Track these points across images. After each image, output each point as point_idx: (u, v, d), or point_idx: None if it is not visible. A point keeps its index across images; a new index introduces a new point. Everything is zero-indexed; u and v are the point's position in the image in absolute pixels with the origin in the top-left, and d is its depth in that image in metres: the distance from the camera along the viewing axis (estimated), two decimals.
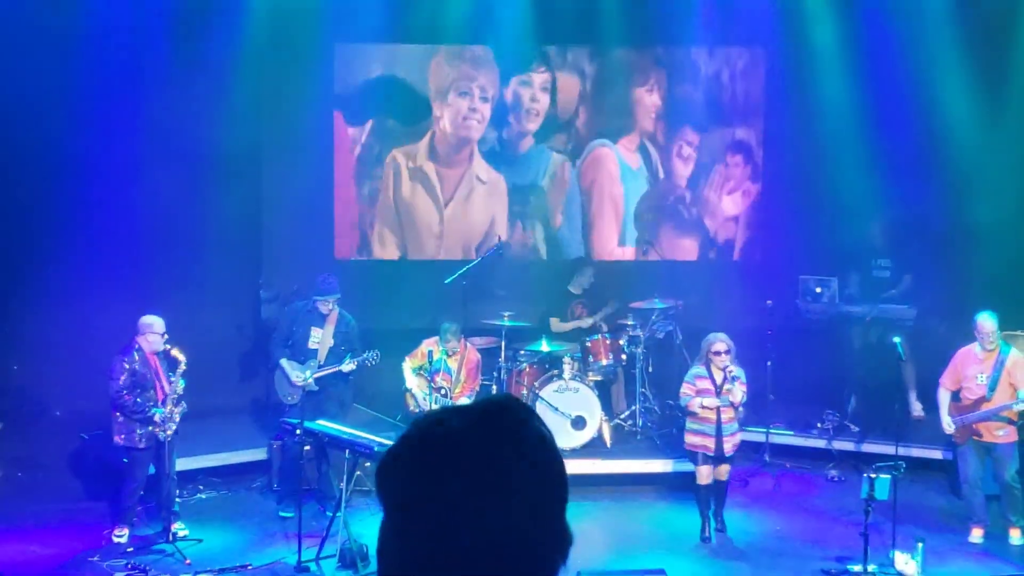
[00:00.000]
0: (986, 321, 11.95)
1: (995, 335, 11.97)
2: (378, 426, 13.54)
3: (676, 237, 17.16)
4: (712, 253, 17.22)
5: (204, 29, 14.98)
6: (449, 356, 13.62)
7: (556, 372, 14.16)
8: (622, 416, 15.08)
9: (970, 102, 15.36)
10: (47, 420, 14.85)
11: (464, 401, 13.09)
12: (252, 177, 16.10)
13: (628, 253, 17.10)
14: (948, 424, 12.16)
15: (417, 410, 13.47)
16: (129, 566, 11.32)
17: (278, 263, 16.21)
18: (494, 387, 14.32)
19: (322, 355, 13.07)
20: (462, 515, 1.85)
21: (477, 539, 1.84)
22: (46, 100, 14.34)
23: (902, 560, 11.14)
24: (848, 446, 14.45)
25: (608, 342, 14.64)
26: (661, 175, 17.11)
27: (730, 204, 17.18)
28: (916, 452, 13.66)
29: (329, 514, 12.14)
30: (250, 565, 11.44)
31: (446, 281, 15.00)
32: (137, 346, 11.86)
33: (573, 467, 13.07)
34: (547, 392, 13.84)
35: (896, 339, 12.74)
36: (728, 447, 12.21)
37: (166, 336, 11.92)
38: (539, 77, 16.90)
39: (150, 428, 11.85)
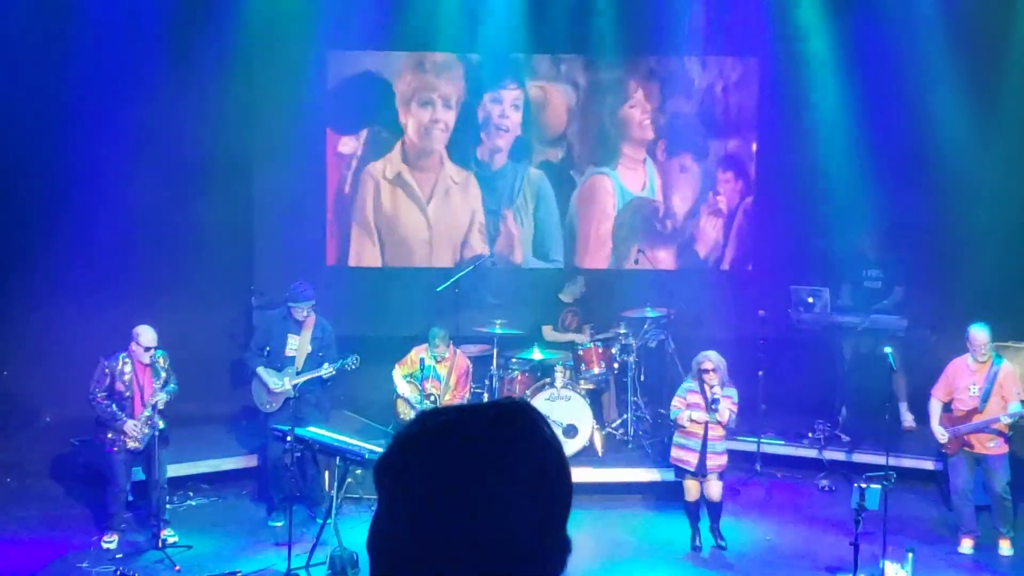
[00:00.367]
0: (979, 333, 11.96)
1: (988, 347, 11.98)
2: (369, 433, 13.53)
3: (668, 247, 17.16)
4: (704, 263, 17.22)
5: (195, 35, 14.99)
6: (438, 362, 13.59)
7: (548, 380, 14.15)
8: (613, 425, 15.06)
9: (962, 113, 15.38)
10: (37, 426, 14.85)
11: None
12: (244, 183, 16.09)
13: (619, 262, 17.08)
14: (940, 434, 12.16)
15: (408, 417, 13.43)
16: (118, 573, 11.26)
17: (270, 270, 16.18)
18: (485, 395, 14.31)
19: (300, 362, 13.00)
20: (468, 513, 1.83)
21: (480, 539, 1.83)
22: (37, 105, 14.35)
23: (892, 570, 11.13)
24: (839, 456, 14.44)
25: (600, 350, 14.63)
26: (654, 187, 17.10)
27: (722, 215, 17.18)
28: (907, 462, 13.67)
29: (318, 520, 12.16)
30: (239, 572, 11.39)
31: (438, 289, 15.02)
32: (128, 352, 11.84)
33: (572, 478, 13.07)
34: (539, 400, 13.81)
35: (887, 349, 12.74)
36: (711, 465, 12.20)
37: (152, 350, 11.85)
38: (510, 94, 16.89)
39: (122, 437, 11.84)
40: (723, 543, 12.37)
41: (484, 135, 16.89)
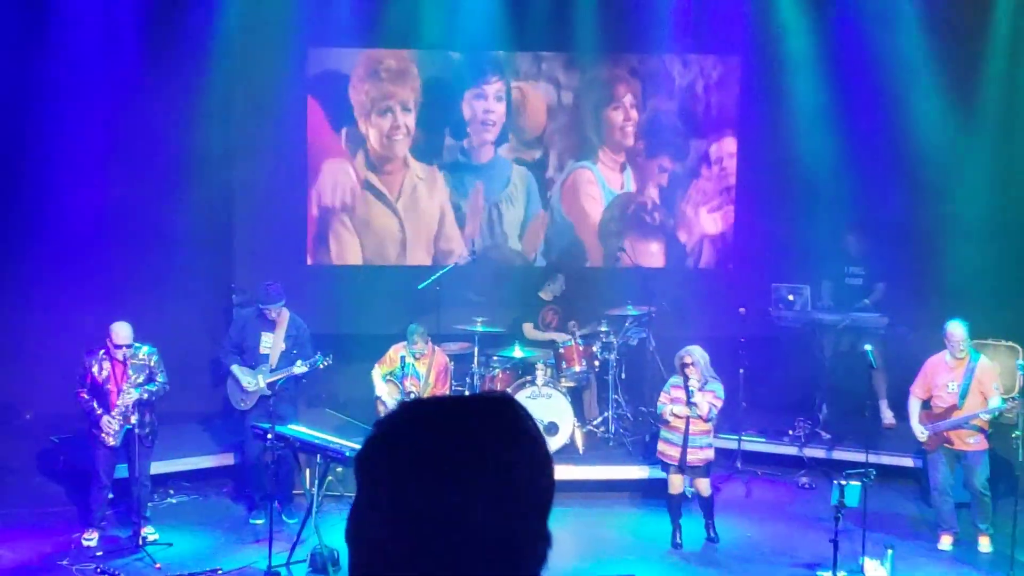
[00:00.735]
0: (956, 329, 12.01)
1: (965, 343, 12.02)
2: (349, 431, 13.51)
3: (649, 245, 17.17)
4: (685, 261, 17.24)
5: (174, 31, 14.92)
6: (416, 359, 13.59)
7: (529, 378, 14.15)
8: (594, 422, 15.07)
9: (942, 111, 15.44)
10: (17, 423, 14.81)
11: None
12: (224, 180, 16.00)
13: (600, 260, 17.10)
14: (920, 431, 12.21)
15: None
16: (98, 570, 11.28)
17: (251, 268, 16.11)
18: (466, 392, 14.29)
19: (274, 359, 12.98)
20: (449, 505, 1.83)
21: (461, 531, 1.83)
22: (13, 101, 14.31)
23: (872, 567, 11.18)
24: (819, 453, 14.48)
25: (581, 348, 14.62)
26: (635, 187, 17.11)
27: (703, 213, 17.20)
28: (887, 459, 13.70)
29: (289, 520, 12.22)
30: (220, 570, 11.42)
31: (419, 287, 15.01)
32: (106, 349, 11.83)
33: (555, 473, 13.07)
34: (520, 398, 13.77)
35: (867, 347, 12.78)
36: (694, 459, 12.23)
37: (124, 348, 11.81)
38: (492, 88, 16.87)
39: (100, 433, 11.84)
40: (715, 536, 12.42)
41: (471, 131, 16.85)
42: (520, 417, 1.95)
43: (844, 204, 15.68)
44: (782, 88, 16.21)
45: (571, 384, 14.62)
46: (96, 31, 14.60)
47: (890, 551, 11.18)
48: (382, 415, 9.60)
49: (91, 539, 11.97)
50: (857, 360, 13.64)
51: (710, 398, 12.10)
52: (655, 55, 16.85)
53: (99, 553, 11.82)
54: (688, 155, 17.12)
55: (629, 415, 15.29)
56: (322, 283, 15.61)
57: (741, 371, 14.23)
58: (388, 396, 13.58)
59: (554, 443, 13.88)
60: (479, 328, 14.43)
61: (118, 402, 11.81)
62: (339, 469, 11.92)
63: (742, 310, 14.98)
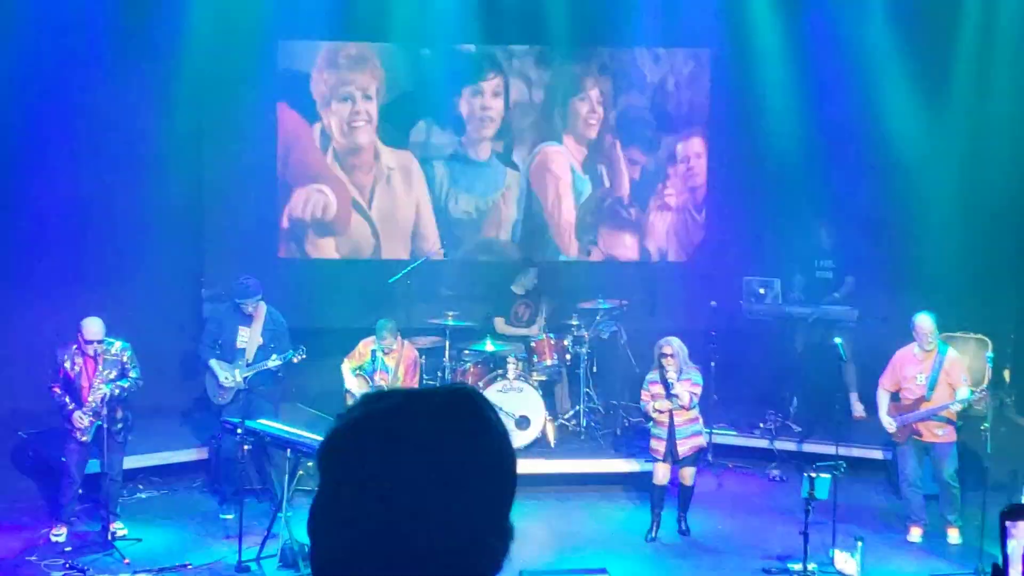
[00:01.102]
0: (924, 321, 12.04)
1: (933, 335, 12.06)
2: (319, 425, 13.45)
3: (620, 238, 17.17)
4: (656, 255, 17.24)
5: (145, 21, 14.85)
6: (386, 354, 13.57)
7: (500, 372, 14.15)
8: (566, 416, 15.07)
9: (913, 106, 15.49)
10: None
11: None
12: (194, 174, 15.95)
13: (573, 253, 17.09)
14: (889, 423, 12.24)
15: None
16: (67, 566, 11.22)
17: (221, 261, 16.07)
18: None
19: (250, 353, 12.96)
20: (411, 497, 1.82)
21: (424, 523, 1.82)
22: None
23: (842, 559, 11.21)
24: (790, 446, 14.51)
25: (552, 342, 14.62)
26: (606, 180, 17.11)
27: (674, 207, 17.21)
28: (857, 452, 13.75)
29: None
30: (190, 565, 11.37)
31: (390, 280, 14.99)
32: (77, 344, 11.77)
33: (517, 467, 13.06)
34: (491, 392, 13.80)
35: (837, 340, 12.81)
36: (683, 449, 12.23)
37: (95, 345, 11.72)
38: (489, 84, 16.85)
39: (74, 430, 11.78)
40: (685, 529, 12.44)
41: (470, 127, 16.81)
42: (482, 408, 1.94)
43: (815, 197, 15.71)
44: (753, 81, 16.23)
45: (543, 378, 14.61)
46: (64, 23, 14.48)
47: (860, 543, 11.20)
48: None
49: (59, 534, 11.91)
50: (827, 353, 13.67)
51: (688, 386, 12.12)
52: (626, 49, 16.85)
53: (68, 548, 11.74)
54: (659, 150, 17.12)
55: (601, 408, 15.31)
56: (293, 277, 15.57)
57: (712, 364, 14.24)
58: (358, 390, 13.54)
59: (526, 437, 13.90)
60: (450, 322, 14.41)
61: (89, 398, 11.75)
62: (310, 464, 11.87)
63: (713, 303, 15.03)
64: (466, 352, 14.64)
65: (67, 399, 11.71)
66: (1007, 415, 14.87)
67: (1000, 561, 2.57)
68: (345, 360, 13.71)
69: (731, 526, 12.81)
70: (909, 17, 15.38)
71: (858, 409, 15.07)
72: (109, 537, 11.79)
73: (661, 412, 12.19)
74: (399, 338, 13.72)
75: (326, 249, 16.81)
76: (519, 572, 10.09)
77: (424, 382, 14.01)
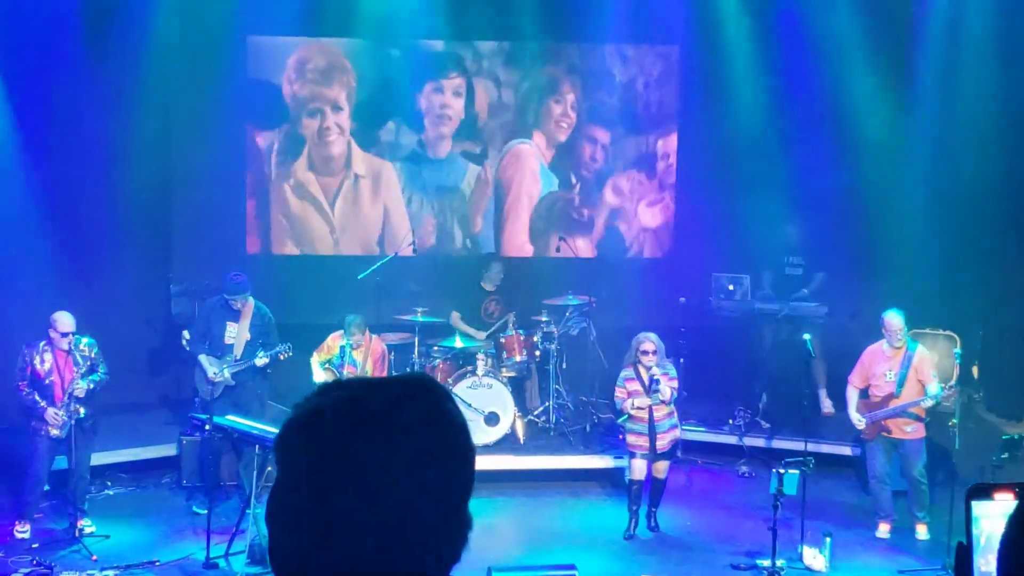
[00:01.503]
0: (893, 318, 12.08)
1: (902, 332, 12.10)
2: None
3: (589, 235, 17.17)
4: (625, 251, 17.25)
5: (112, 17, 14.77)
6: (354, 349, 13.56)
7: (470, 368, 14.15)
8: (535, 412, 15.06)
9: (880, 102, 15.52)
10: None
11: None
12: (162, 170, 15.90)
13: (541, 250, 17.08)
14: (858, 420, 12.28)
15: None
16: (34, 562, 11.17)
17: (189, 257, 16.04)
18: None
19: (238, 349, 12.96)
20: (368, 487, 1.81)
21: (381, 513, 1.81)
22: None
23: (810, 555, 11.25)
24: (759, 442, 14.55)
25: (522, 338, 14.61)
26: (575, 177, 17.11)
27: (644, 203, 17.22)
28: (825, 448, 13.80)
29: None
30: (158, 561, 11.34)
31: (360, 276, 14.95)
32: (47, 340, 11.70)
33: (486, 463, 13.09)
34: (460, 388, 13.81)
35: (806, 336, 12.83)
36: (663, 443, 12.24)
37: (70, 336, 11.69)
38: (451, 83, 16.83)
39: (44, 425, 11.70)
40: (655, 525, 12.45)
41: (428, 123, 16.78)
42: (439, 397, 1.94)
43: (785, 193, 15.71)
44: (721, 78, 16.25)
45: (512, 374, 14.61)
46: (31, 18, 14.39)
47: (828, 539, 11.25)
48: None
49: (24, 531, 11.87)
50: (796, 349, 13.69)
51: (665, 381, 12.13)
52: (594, 46, 16.84)
53: (35, 545, 11.72)
54: (629, 147, 17.13)
55: (570, 405, 15.31)
56: (261, 272, 15.50)
57: (681, 360, 14.26)
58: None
59: (495, 433, 13.91)
60: (419, 318, 14.40)
61: (65, 394, 11.70)
62: None
63: (682, 299, 15.05)
64: (435, 348, 14.62)
65: (36, 396, 11.63)
66: (975, 411, 14.94)
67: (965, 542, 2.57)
68: (314, 354, 13.69)
69: (700, 522, 12.83)
70: (876, 13, 15.42)
71: (827, 405, 15.12)
72: (77, 534, 11.75)
73: (641, 409, 12.17)
74: (367, 333, 13.70)
75: (290, 246, 16.78)
76: (488, 569, 10.08)
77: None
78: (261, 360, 12.82)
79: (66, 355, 11.73)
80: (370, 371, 13.54)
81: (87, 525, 12.02)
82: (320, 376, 13.59)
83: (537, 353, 14.82)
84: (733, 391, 15.28)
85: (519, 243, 17.12)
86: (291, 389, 14.67)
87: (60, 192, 14.76)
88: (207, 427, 11.70)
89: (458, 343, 14.34)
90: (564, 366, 15.27)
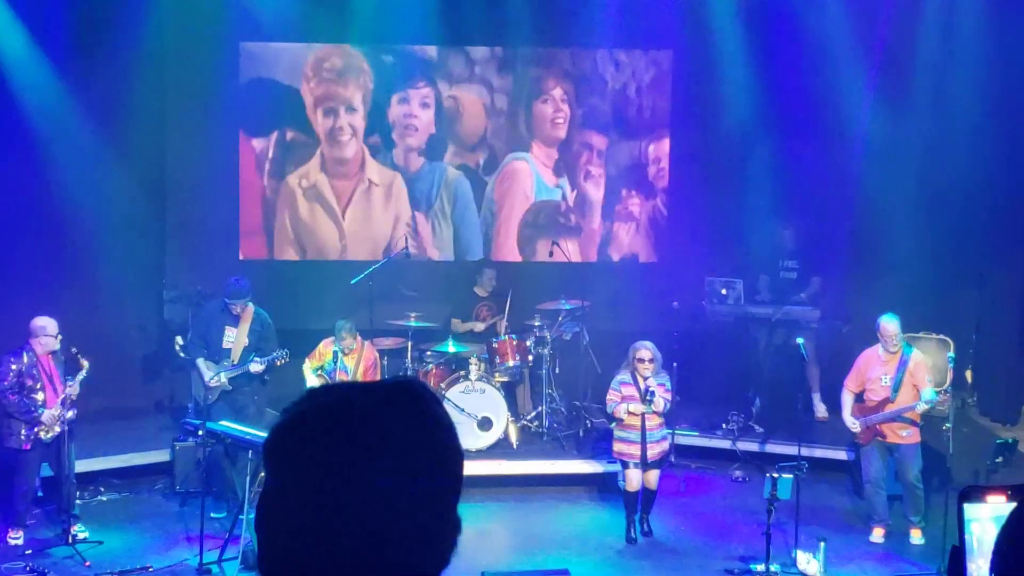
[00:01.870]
0: (889, 323, 12.08)
1: (898, 337, 12.10)
2: None
3: (582, 240, 17.16)
4: (618, 255, 17.24)
5: (107, 20, 14.76)
6: (345, 354, 13.54)
7: (462, 373, 14.15)
8: (528, 417, 15.07)
9: (874, 107, 15.52)
10: None
11: None
12: (156, 175, 15.90)
13: (529, 255, 17.06)
14: (852, 423, 12.27)
15: None
16: (27, 569, 11.15)
17: (182, 263, 16.02)
18: None
19: (236, 354, 12.94)
20: (357, 492, 1.81)
21: (370, 517, 1.81)
22: None
23: (804, 559, 11.23)
24: (752, 447, 14.54)
25: (515, 343, 14.61)
26: (568, 183, 17.10)
27: (637, 207, 17.21)
28: (819, 452, 13.80)
29: (212, 515, 12.13)
30: (151, 567, 11.32)
31: (352, 281, 14.93)
32: (28, 348, 11.67)
33: (479, 468, 13.12)
34: (453, 393, 13.81)
35: (799, 340, 12.83)
36: (654, 453, 12.21)
37: (60, 336, 11.73)
38: (418, 93, 16.81)
39: (36, 429, 11.67)
40: (648, 530, 12.42)
41: (396, 136, 16.77)
42: (427, 400, 1.93)
43: (777, 197, 15.69)
44: (714, 82, 16.24)
45: (505, 379, 14.62)
46: (23, 21, 14.36)
47: (822, 543, 11.23)
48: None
49: (17, 538, 11.83)
50: (790, 354, 13.71)
51: (661, 392, 12.10)
52: (588, 49, 16.83)
53: (28, 552, 11.69)
54: (622, 152, 17.12)
55: (563, 409, 15.29)
56: (254, 278, 15.48)
57: (675, 365, 14.23)
58: None
59: (488, 438, 13.91)
60: (412, 323, 14.40)
61: (61, 396, 11.71)
62: None
63: (675, 304, 15.03)
64: (428, 353, 14.61)
65: (25, 399, 11.61)
66: (969, 415, 14.95)
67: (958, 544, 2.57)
68: (306, 361, 13.68)
69: (693, 527, 12.82)
70: (868, 17, 15.41)
71: (820, 410, 15.12)
72: (70, 540, 11.72)
73: (634, 415, 12.15)
74: (359, 338, 13.69)
75: (288, 250, 16.76)
76: (480, 573, 10.06)
77: None
78: (255, 367, 12.80)
79: (50, 358, 11.74)
80: (362, 377, 13.51)
81: (80, 531, 11.99)
82: (312, 382, 13.55)
83: (530, 358, 14.82)
84: (726, 395, 15.29)
85: (510, 247, 17.08)
86: (285, 395, 14.67)
87: (53, 197, 14.74)
88: (200, 432, 11.66)
89: (451, 348, 14.33)
90: (557, 371, 15.27)
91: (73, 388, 11.77)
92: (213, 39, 15.58)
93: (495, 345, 14.60)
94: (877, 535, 12.33)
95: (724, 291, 15.36)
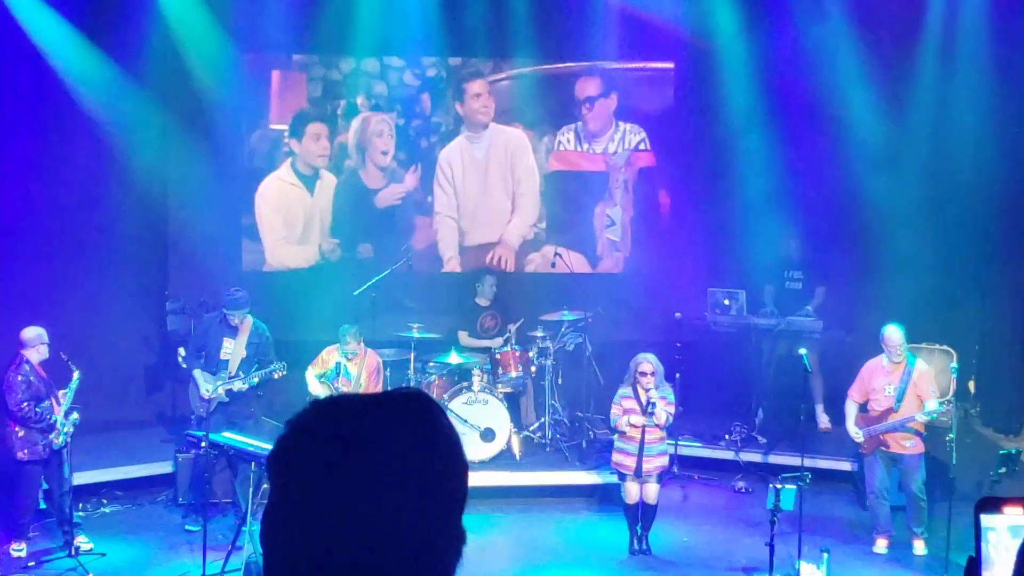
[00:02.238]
0: (893, 333, 12.07)
1: (902, 347, 12.09)
2: None
3: (585, 250, 17.16)
4: (621, 266, 17.24)
5: (110, 32, 14.77)
6: (349, 360, 13.53)
7: (465, 384, 14.15)
8: (531, 428, 15.06)
9: (877, 117, 15.52)
10: None
11: None
12: (158, 186, 15.89)
13: (536, 266, 17.07)
14: (856, 433, 12.26)
15: None
16: None
17: (185, 274, 16.01)
18: None
19: (233, 366, 12.93)
20: (362, 504, 1.80)
21: (375, 529, 1.80)
22: None
23: (808, 570, 11.20)
24: (755, 457, 14.53)
25: (517, 354, 14.61)
26: (572, 192, 17.13)
27: (639, 218, 17.22)
28: (822, 463, 13.79)
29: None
30: None
31: (355, 292, 14.93)
32: (25, 359, 11.67)
33: (482, 479, 13.10)
34: (456, 404, 13.81)
35: (802, 351, 12.82)
36: (650, 467, 12.17)
37: (49, 344, 11.77)
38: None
39: (50, 436, 11.67)
40: (646, 548, 12.37)
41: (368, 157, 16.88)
42: (432, 412, 1.92)
43: (780, 208, 15.68)
44: (717, 93, 16.25)
45: (508, 390, 14.62)
46: (26, 33, 14.38)
47: (826, 554, 11.20)
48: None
49: (20, 550, 11.81)
50: (793, 364, 13.70)
51: (663, 405, 12.08)
52: (591, 63, 16.85)
53: (31, 564, 11.69)
54: (626, 162, 17.12)
55: (566, 420, 15.29)
56: (256, 289, 15.48)
57: (677, 376, 14.25)
58: (321, 396, 13.43)
59: (491, 449, 13.90)
60: (415, 334, 14.40)
61: (62, 404, 11.73)
62: None
63: (678, 315, 15.03)
64: (431, 364, 14.61)
65: (37, 409, 11.61)
66: (972, 426, 14.92)
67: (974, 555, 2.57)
68: (309, 367, 13.68)
69: (696, 538, 12.80)
70: (872, 26, 15.41)
71: (823, 421, 15.12)
72: (73, 551, 11.70)
73: (635, 427, 12.13)
74: (362, 345, 13.69)
75: (292, 259, 16.77)
76: None
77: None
78: (252, 379, 12.81)
79: (42, 367, 11.78)
80: (364, 383, 13.52)
81: (84, 542, 11.97)
82: (315, 389, 13.57)
83: (533, 369, 14.82)
84: (729, 406, 15.30)
85: (514, 259, 17.09)
86: (287, 405, 14.68)
87: (56, 209, 14.76)
88: (203, 444, 11.66)
89: (454, 359, 14.33)
90: (560, 381, 15.28)
91: (67, 394, 11.78)
92: (217, 49, 15.58)
93: (498, 356, 14.60)
94: (880, 546, 12.32)
95: (727, 302, 15.37)
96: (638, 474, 12.16)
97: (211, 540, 11.36)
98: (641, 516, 12.38)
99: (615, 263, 17.30)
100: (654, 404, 11.98)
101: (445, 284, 16.50)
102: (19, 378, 11.60)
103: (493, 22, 16.16)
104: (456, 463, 1.92)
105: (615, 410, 12.29)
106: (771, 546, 10.71)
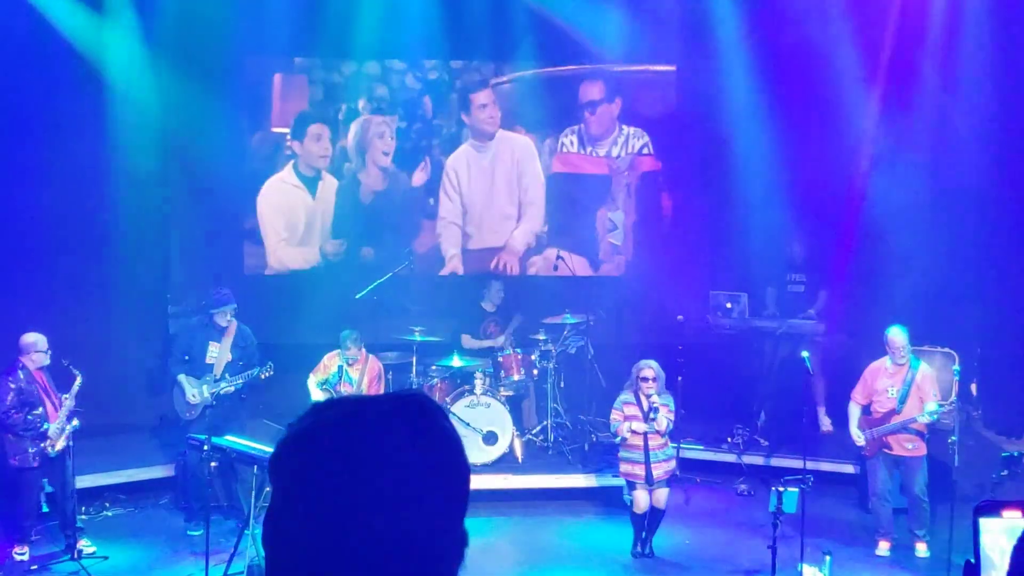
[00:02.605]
0: (897, 335, 12.07)
1: (906, 349, 12.08)
2: None
3: (587, 254, 17.17)
4: (623, 269, 17.25)
5: (112, 36, 14.79)
6: (350, 365, 13.53)
7: (467, 387, 14.14)
8: (534, 431, 15.06)
9: (879, 119, 15.51)
10: None
11: None
12: (161, 189, 15.90)
13: (538, 269, 17.08)
14: (858, 436, 12.25)
15: None
16: None
17: (187, 277, 16.02)
18: None
19: (219, 370, 12.93)
20: (363, 506, 1.80)
21: (376, 531, 1.80)
22: None
23: (810, 573, 11.20)
24: (758, 460, 14.54)
25: (520, 357, 14.63)
26: (573, 195, 17.14)
27: (641, 221, 17.23)
28: (825, 466, 13.78)
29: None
30: None
31: (357, 296, 14.92)
32: (21, 365, 11.67)
33: (484, 482, 13.11)
34: (458, 407, 13.81)
35: (804, 354, 12.82)
36: (659, 472, 12.16)
37: (49, 351, 11.74)
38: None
39: (42, 444, 11.66)
40: (650, 551, 12.36)
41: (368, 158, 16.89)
42: (432, 415, 1.93)
43: (782, 211, 15.69)
44: (720, 96, 16.24)
45: (510, 393, 14.62)
46: (28, 37, 14.39)
47: (828, 557, 11.20)
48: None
49: (23, 554, 11.82)
50: (794, 367, 13.69)
51: (664, 412, 12.07)
52: (592, 66, 16.86)
53: (33, 567, 11.69)
54: (628, 165, 17.13)
55: (568, 423, 15.28)
56: (258, 292, 15.50)
57: (679, 379, 14.26)
58: None
59: (493, 452, 13.90)
60: (417, 338, 14.40)
61: (62, 409, 11.74)
62: None
63: (680, 317, 15.03)
64: (433, 368, 14.62)
65: (38, 412, 11.61)
66: (974, 428, 14.91)
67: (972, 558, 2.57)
68: (311, 375, 13.66)
69: (699, 541, 12.80)
70: (875, 28, 15.40)
71: (825, 423, 15.12)
72: (75, 555, 11.71)
73: (636, 434, 12.12)
74: (363, 350, 13.69)
75: (293, 260, 16.78)
76: None
77: None
78: (237, 382, 12.82)
79: (44, 373, 11.76)
80: (366, 390, 13.51)
81: (87, 546, 11.98)
82: (317, 397, 13.55)
83: (535, 372, 14.83)
84: (731, 409, 15.28)
85: (517, 262, 17.10)
86: (289, 410, 14.67)
87: (57, 213, 14.75)
88: (205, 447, 11.65)
89: (456, 362, 14.33)
90: (562, 385, 15.28)
91: (69, 400, 11.78)
92: (218, 53, 15.57)
93: (500, 359, 14.62)
94: (883, 548, 12.31)
95: (729, 305, 15.37)
96: (649, 481, 12.13)
97: (213, 544, 11.36)
98: (648, 520, 12.38)
99: (617, 266, 17.31)
100: (656, 410, 11.98)
101: (447, 287, 16.50)
102: (9, 384, 11.59)
103: (494, 25, 16.17)
104: (458, 465, 1.92)
105: (615, 415, 12.28)
106: (773, 549, 10.70)
